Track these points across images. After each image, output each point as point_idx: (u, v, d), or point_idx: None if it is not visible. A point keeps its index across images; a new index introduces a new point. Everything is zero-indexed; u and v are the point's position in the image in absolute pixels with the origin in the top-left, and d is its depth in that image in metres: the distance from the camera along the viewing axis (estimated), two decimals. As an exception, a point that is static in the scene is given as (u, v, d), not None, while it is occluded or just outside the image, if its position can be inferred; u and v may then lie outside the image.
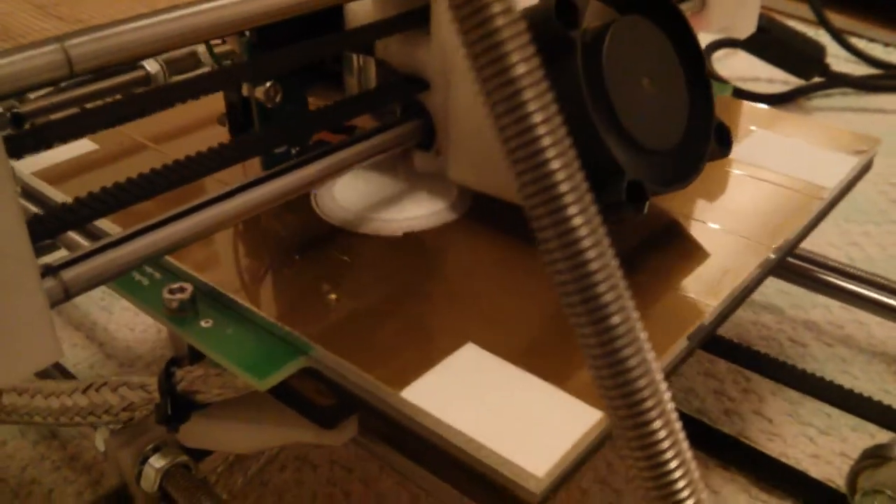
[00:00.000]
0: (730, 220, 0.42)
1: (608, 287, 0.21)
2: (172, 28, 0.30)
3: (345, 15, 0.41)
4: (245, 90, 0.40)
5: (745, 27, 0.58)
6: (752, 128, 0.52)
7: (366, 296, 0.36)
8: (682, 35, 0.40)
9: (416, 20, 0.39)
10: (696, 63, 0.40)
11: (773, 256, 0.40)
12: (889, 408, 0.46)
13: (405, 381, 0.31)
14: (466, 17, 0.20)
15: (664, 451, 0.22)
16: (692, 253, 0.40)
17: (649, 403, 0.22)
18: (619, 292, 0.21)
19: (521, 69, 0.20)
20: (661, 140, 0.38)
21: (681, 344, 0.34)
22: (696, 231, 0.41)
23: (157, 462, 0.41)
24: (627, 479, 0.49)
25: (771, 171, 0.47)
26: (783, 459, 0.51)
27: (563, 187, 0.21)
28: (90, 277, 0.29)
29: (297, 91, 0.41)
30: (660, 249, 0.40)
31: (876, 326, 0.62)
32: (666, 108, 0.38)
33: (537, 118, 0.20)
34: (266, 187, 0.35)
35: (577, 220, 0.21)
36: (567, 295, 0.21)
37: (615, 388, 0.22)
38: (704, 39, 0.93)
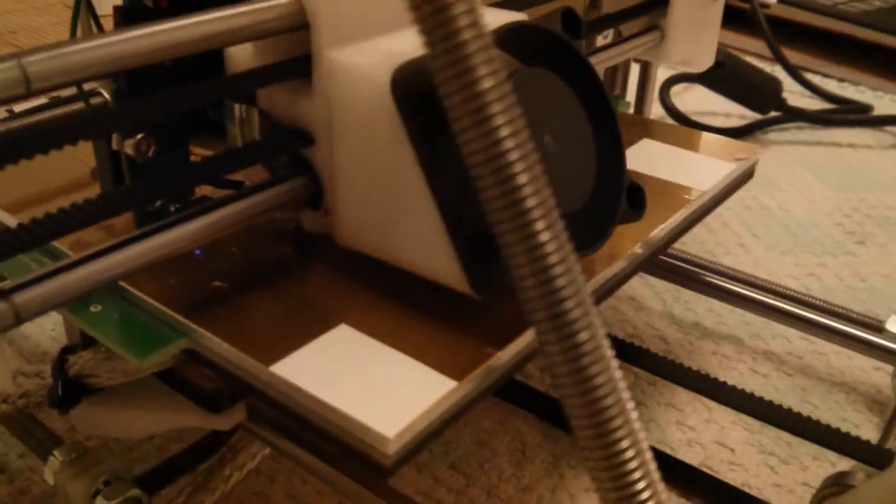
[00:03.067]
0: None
1: (576, 303, 0.21)
2: (132, 47, 0.29)
3: (225, 61, 0.39)
4: (115, 143, 0.37)
5: (703, 61, 0.59)
6: (644, 139, 0.54)
7: (250, 283, 0.37)
8: (591, 88, 0.37)
9: (297, 69, 0.36)
10: (605, 118, 0.38)
11: (639, 251, 0.41)
12: (848, 436, 0.46)
13: (277, 358, 0.33)
14: (431, 29, 0.20)
15: (624, 451, 0.22)
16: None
17: (609, 403, 0.22)
18: (586, 309, 0.21)
19: (488, 83, 0.20)
20: (564, 202, 0.35)
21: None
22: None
23: (108, 495, 0.40)
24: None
25: (650, 176, 0.48)
26: (745, 489, 0.51)
27: (531, 202, 0.20)
28: (42, 302, 0.29)
29: (176, 142, 0.37)
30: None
31: (834, 356, 0.62)
32: (570, 168, 0.36)
33: (504, 132, 0.20)
34: (137, 247, 0.32)
35: (545, 236, 0.21)
36: (534, 311, 0.21)
37: (574, 385, 0.22)
38: (663, 74, 0.94)
